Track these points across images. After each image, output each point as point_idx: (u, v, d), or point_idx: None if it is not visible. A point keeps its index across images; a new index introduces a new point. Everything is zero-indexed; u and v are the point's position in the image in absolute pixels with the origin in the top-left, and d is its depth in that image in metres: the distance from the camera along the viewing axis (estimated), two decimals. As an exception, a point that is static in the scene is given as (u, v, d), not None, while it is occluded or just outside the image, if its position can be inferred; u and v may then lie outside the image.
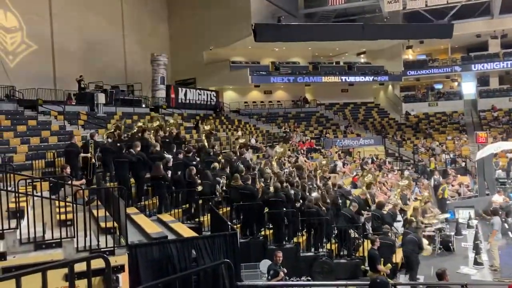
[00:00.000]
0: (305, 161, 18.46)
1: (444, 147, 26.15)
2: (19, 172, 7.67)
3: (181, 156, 11.10)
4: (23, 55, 21.10)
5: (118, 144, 10.37)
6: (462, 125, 29.25)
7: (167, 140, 12.29)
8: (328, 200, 11.03)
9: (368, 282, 7.08)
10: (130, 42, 27.12)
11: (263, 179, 11.43)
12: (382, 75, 31.32)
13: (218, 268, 5.91)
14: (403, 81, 32.25)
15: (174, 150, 11.49)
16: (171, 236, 6.93)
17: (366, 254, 9.35)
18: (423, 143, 27.09)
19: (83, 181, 9.00)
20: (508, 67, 29.39)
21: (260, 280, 8.16)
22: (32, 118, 14.74)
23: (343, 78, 30.67)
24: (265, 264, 8.36)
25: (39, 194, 5.55)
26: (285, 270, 8.04)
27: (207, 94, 27.28)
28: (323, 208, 10.10)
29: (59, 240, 5.28)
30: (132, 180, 9.91)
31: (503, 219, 12.38)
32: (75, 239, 5.39)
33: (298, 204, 10.59)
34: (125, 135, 12.25)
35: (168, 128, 13.38)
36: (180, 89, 25.21)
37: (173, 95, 24.05)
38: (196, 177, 10.26)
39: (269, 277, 7.88)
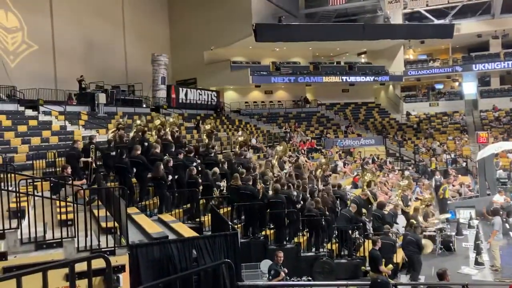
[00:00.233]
0: (306, 161, 18.44)
1: (445, 147, 26.12)
2: (20, 172, 7.66)
3: (181, 156, 11.09)
4: (24, 55, 21.10)
5: (119, 150, 10.29)
6: (463, 125, 29.23)
7: (167, 142, 12.21)
8: (329, 201, 11.01)
9: (369, 282, 7.14)
10: (131, 42, 27.14)
11: (262, 181, 11.41)
12: (382, 75, 31.24)
13: (218, 268, 5.92)
14: (403, 81, 32.23)
15: (173, 150, 11.45)
16: (171, 236, 6.93)
17: (367, 254, 9.35)
18: (424, 143, 27.06)
19: (84, 181, 9.00)
20: (509, 67, 29.34)
21: (260, 280, 8.16)
22: (33, 118, 14.73)
23: (344, 78, 30.59)
24: (266, 264, 8.36)
25: (40, 194, 5.54)
26: (286, 270, 8.04)
27: (207, 94, 27.27)
28: (326, 213, 10.09)
29: (59, 240, 5.29)
30: (133, 180, 9.91)
31: (504, 219, 12.37)
32: (75, 239, 5.40)
33: (298, 206, 10.58)
34: (126, 138, 12.08)
35: (169, 128, 13.31)
36: (180, 89, 25.21)
37: (173, 95, 24.05)
38: (198, 176, 10.26)
39: (270, 277, 7.88)
